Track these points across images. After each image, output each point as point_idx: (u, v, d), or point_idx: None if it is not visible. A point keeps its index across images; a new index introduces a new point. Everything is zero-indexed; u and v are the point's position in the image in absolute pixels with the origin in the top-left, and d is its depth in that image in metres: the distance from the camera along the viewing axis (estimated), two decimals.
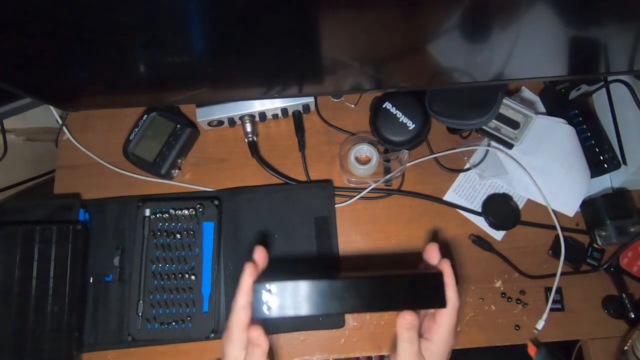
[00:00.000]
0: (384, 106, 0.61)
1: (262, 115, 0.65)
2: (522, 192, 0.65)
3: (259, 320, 0.44)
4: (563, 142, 0.64)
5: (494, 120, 0.62)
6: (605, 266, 0.61)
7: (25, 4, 0.32)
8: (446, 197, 0.65)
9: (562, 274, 0.61)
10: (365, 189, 0.64)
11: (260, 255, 0.44)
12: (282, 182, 0.65)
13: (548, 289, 0.61)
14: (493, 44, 0.44)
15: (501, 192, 0.65)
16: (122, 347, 0.58)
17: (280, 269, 0.61)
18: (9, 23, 0.34)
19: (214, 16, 0.37)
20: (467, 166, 0.66)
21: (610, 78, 0.63)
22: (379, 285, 0.51)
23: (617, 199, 0.62)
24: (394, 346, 0.44)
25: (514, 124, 0.62)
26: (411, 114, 0.61)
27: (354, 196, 0.64)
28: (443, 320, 0.43)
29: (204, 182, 0.66)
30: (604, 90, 0.64)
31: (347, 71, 0.50)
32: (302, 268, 0.61)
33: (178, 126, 0.64)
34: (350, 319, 0.60)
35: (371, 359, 0.90)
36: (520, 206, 0.65)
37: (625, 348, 0.58)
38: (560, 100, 0.66)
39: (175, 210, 0.61)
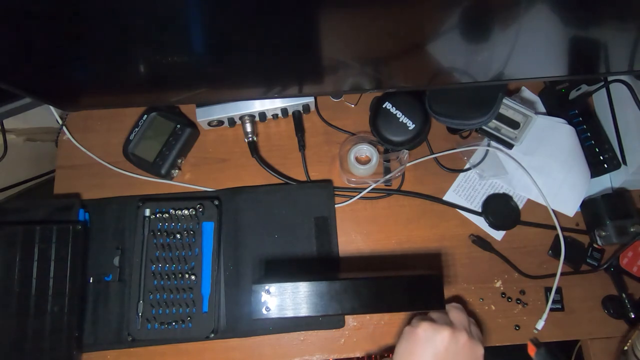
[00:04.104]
0: (384, 106, 0.61)
1: (262, 115, 0.65)
2: (522, 192, 0.65)
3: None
4: (563, 142, 0.64)
5: (494, 120, 0.62)
6: (605, 266, 0.61)
7: (26, 4, 0.32)
8: (446, 197, 0.65)
9: (562, 274, 0.61)
10: (365, 189, 0.64)
11: None
12: (282, 182, 0.65)
13: (548, 289, 0.61)
14: (493, 44, 0.44)
15: (501, 192, 0.65)
16: (122, 347, 0.58)
17: (280, 269, 0.61)
18: (9, 23, 0.34)
19: (214, 16, 0.37)
20: (467, 166, 0.66)
21: (610, 78, 0.63)
22: (377, 287, 0.51)
23: (617, 199, 0.62)
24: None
25: (514, 124, 0.62)
26: (411, 114, 0.61)
27: (354, 196, 0.64)
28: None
29: (204, 182, 0.66)
30: (604, 90, 0.64)
31: (347, 71, 0.50)
32: (302, 268, 0.61)
33: (178, 126, 0.64)
34: (350, 319, 0.60)
35: (371, 358, 0.90)
36: (520, 206, 0.64)
37: (625, 348, 0.58)
38: (560, 100, 0.66)
39: (175, 210, 0.61)
